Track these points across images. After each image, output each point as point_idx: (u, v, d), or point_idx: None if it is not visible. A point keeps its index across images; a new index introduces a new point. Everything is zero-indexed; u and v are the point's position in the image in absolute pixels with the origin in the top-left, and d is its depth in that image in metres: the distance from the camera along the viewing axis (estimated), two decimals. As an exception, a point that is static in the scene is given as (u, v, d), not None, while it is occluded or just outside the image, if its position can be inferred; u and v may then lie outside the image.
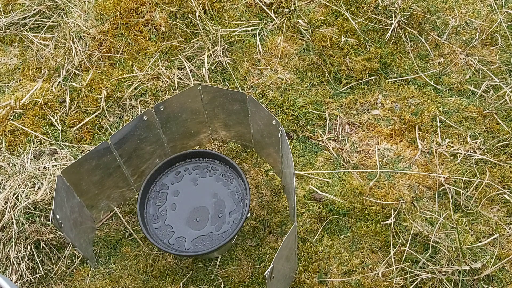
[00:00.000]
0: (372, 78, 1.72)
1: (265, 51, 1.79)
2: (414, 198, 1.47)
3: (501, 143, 1.54)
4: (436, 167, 1.51)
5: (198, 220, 1.37)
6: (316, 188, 1.51)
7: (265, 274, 1.04)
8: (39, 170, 1.50)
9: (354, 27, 1.77)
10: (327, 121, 1.64)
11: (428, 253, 1.35)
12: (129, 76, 1.72)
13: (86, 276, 1.42)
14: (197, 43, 1.77)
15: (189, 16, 1.81)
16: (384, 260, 1.38)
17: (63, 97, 1.71)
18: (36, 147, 1.60)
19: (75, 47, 1.77)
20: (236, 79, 1.72)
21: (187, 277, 1.40)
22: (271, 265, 1.03)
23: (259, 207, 1.49)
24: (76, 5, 1.90)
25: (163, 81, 1.70)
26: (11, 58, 1.87)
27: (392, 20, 1.76)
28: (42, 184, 1.45)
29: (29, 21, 1.91)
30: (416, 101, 1.67)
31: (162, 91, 1.69)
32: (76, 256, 1.45)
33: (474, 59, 1.75)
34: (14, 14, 1.92)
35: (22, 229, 1.40)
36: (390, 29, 1.76)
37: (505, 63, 1.74)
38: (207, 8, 1.83)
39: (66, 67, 1.75)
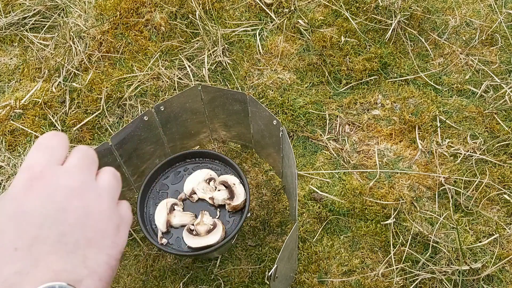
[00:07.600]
0: (372, 78, 1.72)
1: (265, 51, 1.79)
2: (414, 198, 1.47)
3: (501, 143, 1.55)
4: (436, 167, 1.52)
5: (198, 220, 1.37)
6: (316, 188, 1.51)
7: (269, 274, 1.04)
8: (39, 170, 1.50)
9: (354, 27, 1.77)
10: (327, 121, 1.64)
11: (428, 253, 1.35)
12: (129, 76, 1.72)
13: (86, 276, 1.42)
14: (197, 43, 1.77)
15: (189, 16, 1.81)
16: (384, 260, 1.38)
17: (63, 97, 1.71)
18: (36, 147, 1.59)
19: (75, 47, 1.77)
20: (236, 79, 1.72)
21: (187, 277, 1.40)
22: (275, 265, 1.03)
23: (259, 207, 1.49)
24: (76, 5, 1.90)
25: (163, 81, 1.70)
26: (11, 58, 1.87)
27: (392, 20, 1.76)
28: (42, 184, 1.45)
29: (29, 21, 1.91)
30: (416, 101, 1.67)
31: (162, 91, 1.69)
32: (76, 256, 1.44)
33: (474, 59, 1.75)
34: (14, 14, 1.92)
35: (22, 229, 1.40)
36: (390, 29, 1.76)
37: (505, 63, 1.74)
38: (207, 8, 1.83)
39: (66, 67, 1.75)
